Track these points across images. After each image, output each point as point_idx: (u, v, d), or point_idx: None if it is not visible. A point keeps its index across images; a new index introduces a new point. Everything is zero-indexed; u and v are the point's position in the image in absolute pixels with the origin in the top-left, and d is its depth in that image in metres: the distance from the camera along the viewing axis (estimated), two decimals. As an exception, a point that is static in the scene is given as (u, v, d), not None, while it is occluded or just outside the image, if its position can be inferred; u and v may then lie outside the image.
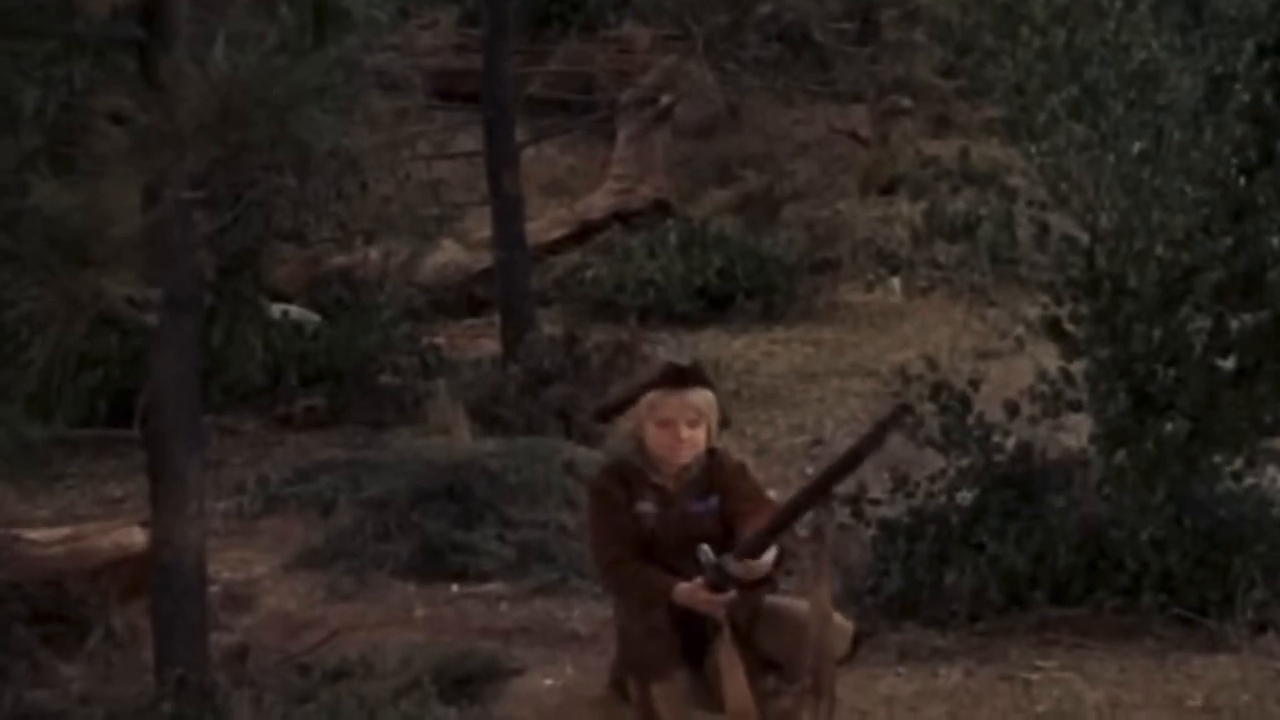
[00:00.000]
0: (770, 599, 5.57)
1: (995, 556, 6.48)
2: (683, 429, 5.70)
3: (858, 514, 6.80)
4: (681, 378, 5.77)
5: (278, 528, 7.78)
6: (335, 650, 6.36)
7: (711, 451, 5.78)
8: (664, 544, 5.66)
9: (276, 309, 9.55)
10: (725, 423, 6.07)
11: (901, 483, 6.80)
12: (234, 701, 5.54)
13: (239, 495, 8.03)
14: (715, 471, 5.76)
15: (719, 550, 5.46)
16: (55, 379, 8.45)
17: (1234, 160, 6.45)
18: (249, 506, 7.96)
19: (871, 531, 6.79)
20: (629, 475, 5.76)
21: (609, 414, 6.24)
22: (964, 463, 6.74)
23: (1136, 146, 6.46)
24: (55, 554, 6.62)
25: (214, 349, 8.58)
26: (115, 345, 8.42)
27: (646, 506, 5.73)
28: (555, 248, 11.53)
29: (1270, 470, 6.81)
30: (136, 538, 6.51)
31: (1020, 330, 6.82)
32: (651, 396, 5.72)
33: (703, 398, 5.75)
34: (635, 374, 6.51)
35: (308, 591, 7.16)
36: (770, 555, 5.43)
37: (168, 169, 4.92)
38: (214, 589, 6.26)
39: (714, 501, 5.72)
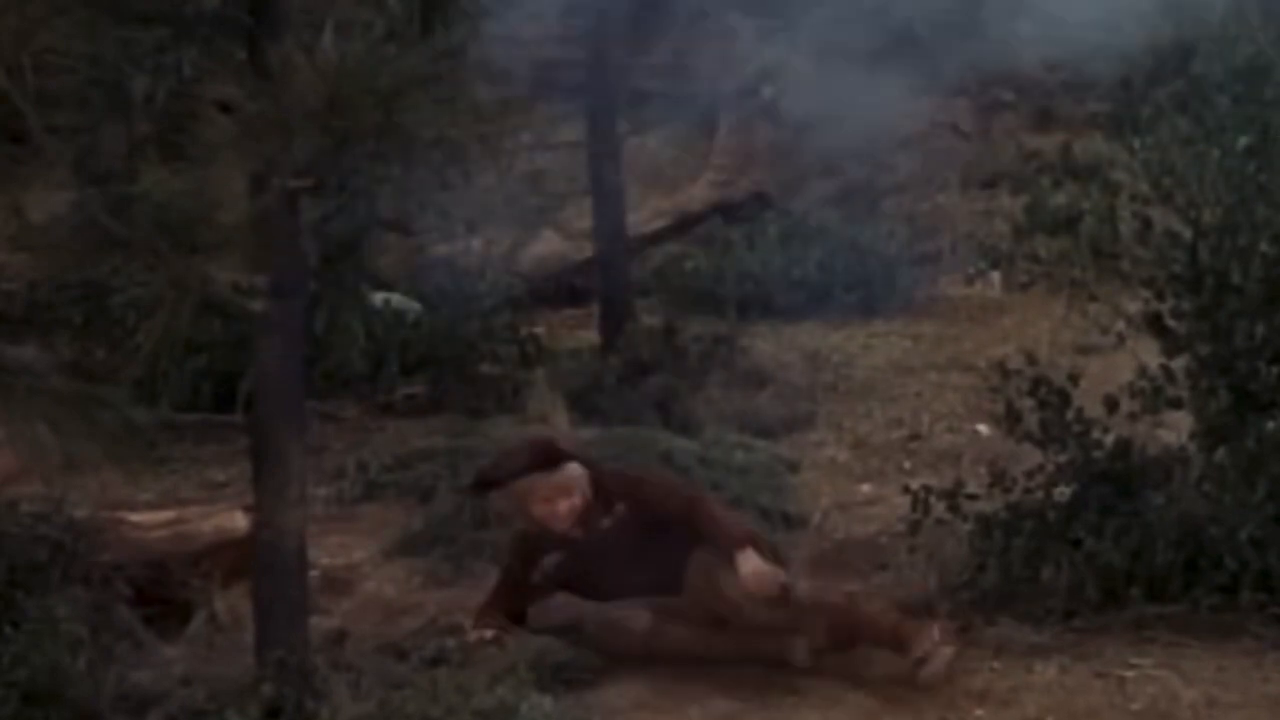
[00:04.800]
0: None
1: (1092, 553, 6.45)
2: (561, 503, 6.41)
3: (954, 508, 6.79)
4: (547, 460, 6.43)
5: (377, 514, 7.84)
6: (433, 636, 6.41)
7: (594, 480, 6.45)
8: (590, 570, 6.38)
9: (378, 297, 9.61)
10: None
11: (999, 478, 6.78)
12: (333, 685, 5.59)
13: (339, 481, 8.10)
14: (608, 492, 6.46)
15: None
16: (161, 363, 8.59)
17: (1340, 156, 6.40)
18: (349, 492, 8.02)
19: (968, 526, 6.77)
20: (530, 542, 6.51)
21: (488, 489, 6.77)
22: (1062, 458, 6.72)
23: (1242, 141, 6.42)
24: (158, 537, 6.71)
25: (316, 336, 8.65)
26: (220, 330, 8.51)
27: (554, 558, 6.47)
28: (655, 239, 11.55)
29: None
30: (238, 522, 6.58)
31: (1121, 326, 6.79)
32: (523, 486, 6.42)
33: (572, 470, 6.44)
34: (505, 453, 6.88)
35: (406, 577, 7.22)
36: None
37: (275, 157, 4.97)
38: (314, 574, 6.31)
39: (619, 512, 6.44)
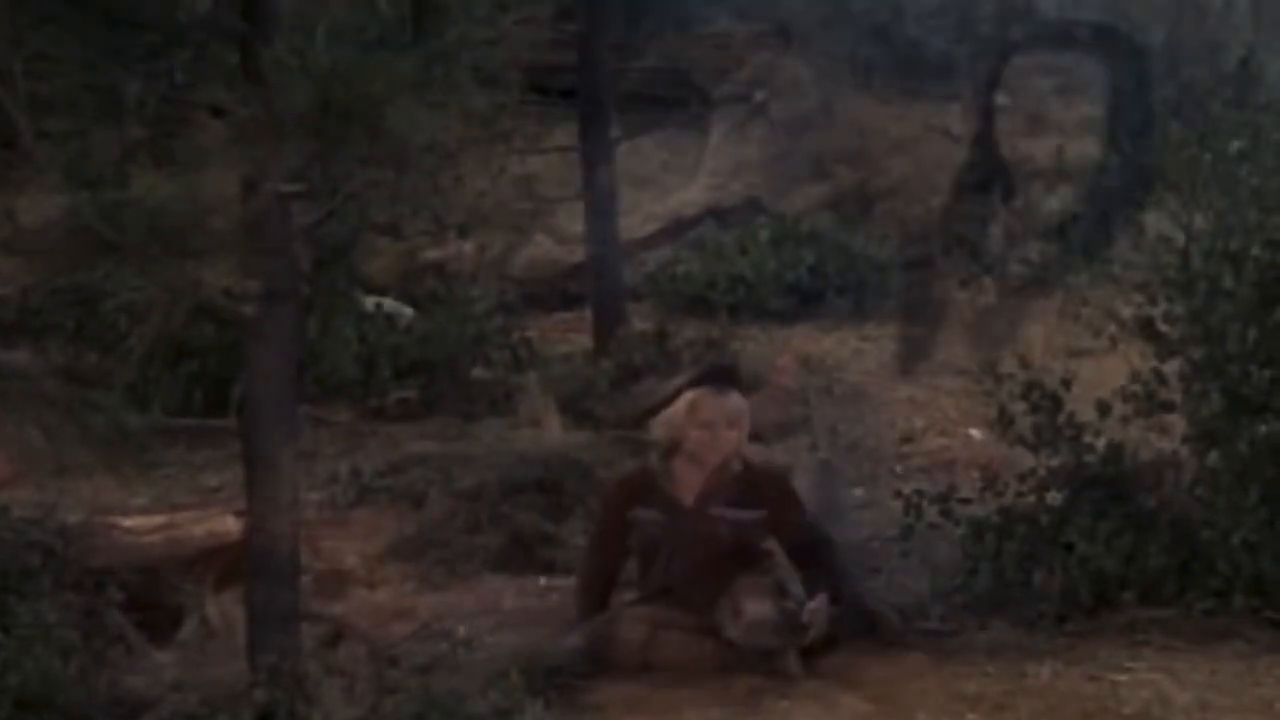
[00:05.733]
0: None
1: (1085, 557, 6.46)
2: (722, 430, 6.09)
3: (947, 513, 6.79)
4: (723, 378, 6.03)
5: (370, 519, 7.83)
6: (425, 641, 6.41)
7: (749, 467, 6.17)
8: (673, 548, 6.10)
9: (370, 301, 9.62)
10: (756, 436, 6.35)
11: (991, 482, 6.79)
12: (325, 690, 5.58)
13: (331, 486, 8.10)
14: (754, 487, 6.16)
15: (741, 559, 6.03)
16: (154, 368, 8.59)
17: (1332, 160, 6.41)
18: (342, 497, 8.02)
19: (960, 530, 6.77)
20: (643, 485, 6.19)
21: (652, 414, 6.45)
22: (1054, 462, 6.72)
23: (1234, 145, 6.43)
24: (151, 542, 6.70)
25: (308, 341, 8.66)
26: (212, 335, 8.51)
27: (649, 513, 6.17)
28: (647, 243, 11.56)
29: (1366, 473, 6.75)
30: (231, 526, 6.58)
31: (1113, 329, 6.79)
32: (692, 396, 5.98)
33: (740, 400, 6.16)
34: (669, 378, 6.67)
35: (399, 582, 7.21)
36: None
37: (266, 161, 4.97)
38: (306, 578, 6.31)
39: (748, 517, 6.13)
